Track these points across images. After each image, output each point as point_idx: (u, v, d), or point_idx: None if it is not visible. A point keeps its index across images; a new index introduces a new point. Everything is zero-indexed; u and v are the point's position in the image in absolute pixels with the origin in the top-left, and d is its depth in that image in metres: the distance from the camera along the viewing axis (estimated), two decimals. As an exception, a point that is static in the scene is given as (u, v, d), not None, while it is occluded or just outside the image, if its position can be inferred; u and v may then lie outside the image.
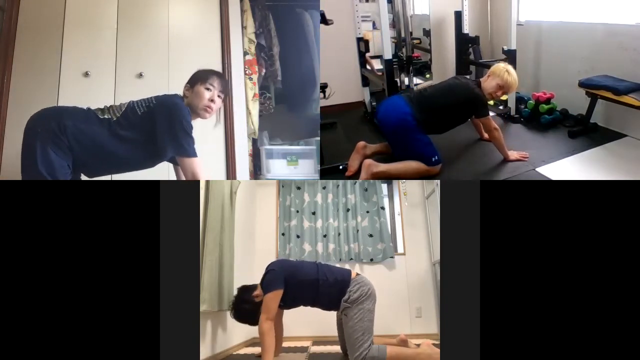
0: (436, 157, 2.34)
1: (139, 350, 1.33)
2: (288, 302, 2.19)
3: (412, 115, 2.33)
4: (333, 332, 2.37)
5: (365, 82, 3.43)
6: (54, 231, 1.36)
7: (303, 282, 2.16)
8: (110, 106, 1.78)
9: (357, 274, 2.25)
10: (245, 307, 2.20)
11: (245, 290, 2.26)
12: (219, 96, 1.87)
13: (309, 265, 2.28)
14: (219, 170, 2.92)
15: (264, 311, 2.06)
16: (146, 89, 2.78)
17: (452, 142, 2.77)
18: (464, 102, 2.43)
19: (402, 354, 2.03)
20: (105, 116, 1.74)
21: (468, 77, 3.47)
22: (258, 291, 2.19)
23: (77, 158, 1.69)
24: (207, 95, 1.83)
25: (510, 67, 2.51)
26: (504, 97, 3.32)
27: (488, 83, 2.49)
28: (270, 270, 2.17)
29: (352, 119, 3.51)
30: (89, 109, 1.79)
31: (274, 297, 2.08)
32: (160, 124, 1.74)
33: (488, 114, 2.50)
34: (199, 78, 1.86)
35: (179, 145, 1.75)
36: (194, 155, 1.77)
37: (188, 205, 1.48)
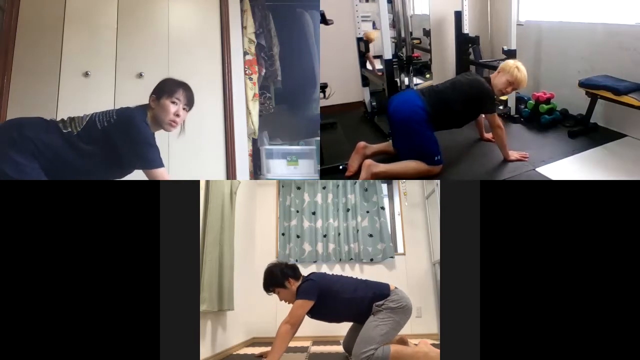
0: (438, 157, 2.35)
1: (139, 350, 1.33)
2: (317, 315, 2.18)
3: (424, 109, 2.35)
4: (333, 332, 2.37)
5: (365, 82, 3.43)
6: (54, 231, 1.36)
7: (342, 300, 2.14)
8: (73, 119, 1.77)
9: (396, 287, 2.23)
10: (277, 273, 2.17)
11: (292, 268, 2.22)
12: (184, 109, 1.86)
13: (347, 282, 2.25)
14: (219, 170, 2.92)
15: (289, 315, 2.04)
16: (146, 89, 2.79)
17: (452, 142, 2.76)
18: (474, 97, 2.44)
19: (402, 353, 2.03)
20: (68, 129, 1.73)
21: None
22: (293, 282, 2.16)
23: (41, 166, 1.68)
24: (172, 109, 1.82)
25: (520, 64, 2.53)
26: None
27: (498, 79, 2.51)
28: (309, 279, 2.16)
29: (352, 119, 3.51)
30: (51, 120, 1.78)
31: (302, 305, 2.06)
32: (122, 142, 1.74)
33: (495, 111, 2.52)
34: (166, 91, 1.84)
35: (145, 160, 1.76)
36: (161, 165, 1.78)
37: (188, 205, 1.48)
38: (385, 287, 2.22)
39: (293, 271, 2.21)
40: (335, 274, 2.38)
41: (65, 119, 1.78)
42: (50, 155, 1.68)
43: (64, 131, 1.73)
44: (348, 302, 2.15)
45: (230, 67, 3.03)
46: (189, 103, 1.88)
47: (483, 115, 2.69)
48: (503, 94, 2.59)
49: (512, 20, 3.11)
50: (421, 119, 2.35)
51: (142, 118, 1.80)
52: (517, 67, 2.49)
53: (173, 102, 1.83)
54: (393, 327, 2.09)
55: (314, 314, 2.15)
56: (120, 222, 1.39)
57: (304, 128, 3.49)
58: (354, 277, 2.36)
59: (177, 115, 1.83)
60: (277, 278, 2.17)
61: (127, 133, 1.74)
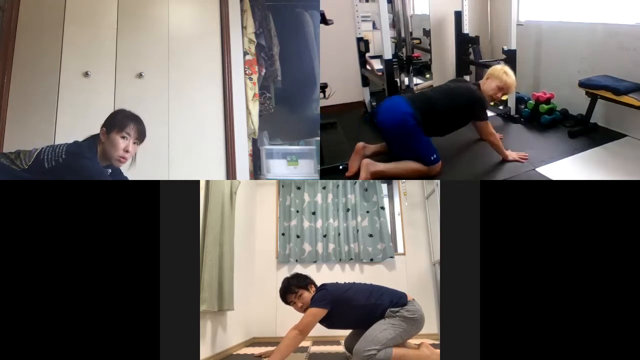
0: (435, 156, 2.34)
1: (139, 350, 1.33)
2: (333, 324, 2.17)
3: (413, 116, 2.32)
4: (333, 332, 2.37)
5: (365, 82, 3.43)
6: (55, 231, 1.36)
7: (356, 307, 2.12)
8: (19, 154, 1.74)
9: (413, 299, 2.21)
10: (293, 283, 2.19)
11: (308, 277, 2.25)
12: (134, 143, 1.84)
13: (360, 289, 2.22)
14: (219, 170, 2.92)
15: (300, 322, 2.02)
16: (146, 89, 2.80)
17: (452, 142, 2.76)
18: (465, 105, 2.43)
19: (405, 357, 2.03)
20: (17, 163, 1.71)
21: (467, 78, 3.47)
22: (305, 291, 2.17)
23: None
24: (122, 145, 1.79)
25: (507, 68, 2.51)
26: (504, 98, 3.32)
27: (488, 85, 2.49)
28: (322, 289, 2.15)
29: (352, 119, 3.51)
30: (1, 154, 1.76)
31: (314, 313, 2.04)
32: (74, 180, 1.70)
33: (486, 119, 2.49)
34: (116, 125, 1.81)
35: None
36: None
37: (188, 205, 1.48)
38: (403, 295, 2.20)
39: (305, 282, 2.22)
40: (347, 282, 2.33)
41: (12, 152, 1.75)
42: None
43: (11, 166, 1.70)
44: (362, 309, 2.12)
45: (230, 67, 3.03)
46: (140, 137, 1.86)
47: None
48: (494, 100, 2.56)
49: (512, 20, 3.11)
50: (411, 125, 2.31)
51: (92, 155, 1.77)
52: (505, 72, 2.48)
53: (123, 137, 1.80)
54: (400, 334, 2.06)
55: (329, 323, 2.15)
56: (121, 222, 1.39)
57: (304, 128, 3.49)
58: (368, 283, 2.32)
59: (127, 151, 1.81)
60: (300, 280, 2.19)
61: (78, 174, 1.71)
